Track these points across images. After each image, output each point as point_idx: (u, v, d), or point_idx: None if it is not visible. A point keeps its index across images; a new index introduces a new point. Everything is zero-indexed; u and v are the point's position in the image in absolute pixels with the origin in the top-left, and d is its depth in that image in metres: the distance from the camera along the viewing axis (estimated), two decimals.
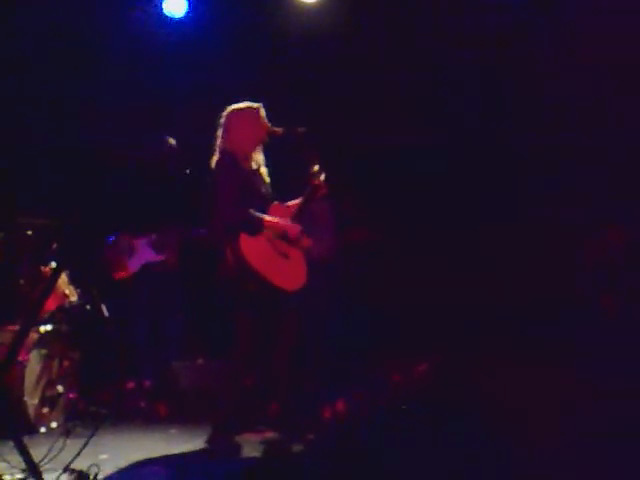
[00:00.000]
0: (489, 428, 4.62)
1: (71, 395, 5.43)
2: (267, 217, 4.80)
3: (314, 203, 5.19)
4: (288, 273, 4.84)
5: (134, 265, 6.21)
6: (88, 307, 5.60)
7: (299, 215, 4.97)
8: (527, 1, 7.26)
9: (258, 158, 5.03)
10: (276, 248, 4.82)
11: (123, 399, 5.96)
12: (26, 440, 3.83)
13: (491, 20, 7.23)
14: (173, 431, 5.36)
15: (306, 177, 5.04)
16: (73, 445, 4.19)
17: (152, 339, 6.30)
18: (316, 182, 5.01)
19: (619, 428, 4.44)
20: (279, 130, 5.00)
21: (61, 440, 4.24)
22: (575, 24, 7.05)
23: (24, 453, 3.68)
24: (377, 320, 6.96)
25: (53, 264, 5.32)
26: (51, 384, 5.30)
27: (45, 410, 5.20)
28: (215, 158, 4.94)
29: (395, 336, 6.89)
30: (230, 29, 7.37)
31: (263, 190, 4.98)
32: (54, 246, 5.41)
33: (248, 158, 4.97)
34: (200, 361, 6.38)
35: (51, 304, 5.42)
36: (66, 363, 5.44)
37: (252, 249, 4.70)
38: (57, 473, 3.92)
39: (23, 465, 3.74)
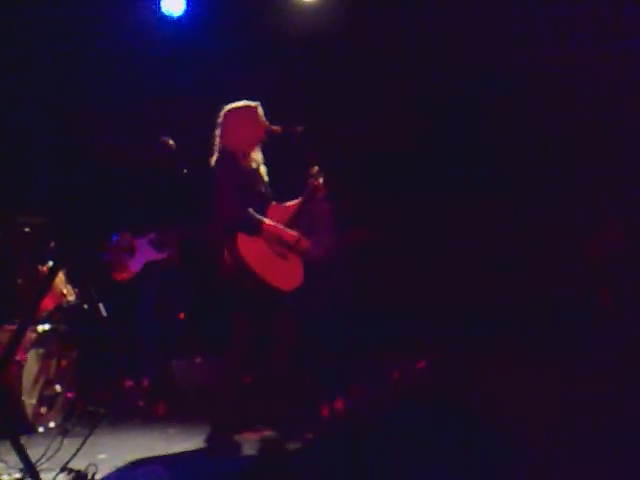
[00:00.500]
0: (489, 426, 4.62)
1: (69, 394, 5.41)
2: (266, 221, 4.79)
3: (313, 204, 5.18)
4: (285, 273, 4.84)
5: (135, 265, 6.20)
6: (86, 306, 5.59)
7: (297, 216, 4.96)
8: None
9: (257, 157, 5.03)
10: (273, 248, 4.81)
11: (121, 398, 5.95)
12: (24, 440, 3.83)
13: (492, 17, 7.23)
14: (172, 430, 5.35)
15: (305, 176, 5.03)
16: (71, 445, 4.19)
17: (151, 338, 6.29)
18: (315, 183, 5.00)
19: (618, 425, 4.43)
20: (277, 129, 4.99)
21: (59, 440, 4.23)
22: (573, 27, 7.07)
23: (21, 453, 3.67)
24: (376, 319, 6.95)
25: (51, 263, 5.31)
26: (49, 384, 5.28)
27: (43, 410, 5.19)
28: (214, 157, 4.93)
29: (394, 334, 6.88)
30: (228, 28, 7.36)
31: (262, 189, 4.97)
32: (52, 245, 5.40)
33: (247, 157, 4.96)
34: (199, 360, 6.37)
35: (49, 303, 5.40)
36: (64, 362, 5.42)
37: (250, 249, 4.69)
38: (55, 473, 3.91)
39: (21, 465, 3.73)
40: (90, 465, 3.95)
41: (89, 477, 3.90)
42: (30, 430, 5.00)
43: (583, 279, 7.18)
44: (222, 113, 5.00)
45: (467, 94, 7.54)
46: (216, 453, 4.66)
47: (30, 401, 5.10)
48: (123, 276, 6.21)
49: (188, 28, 7.31)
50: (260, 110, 4.99)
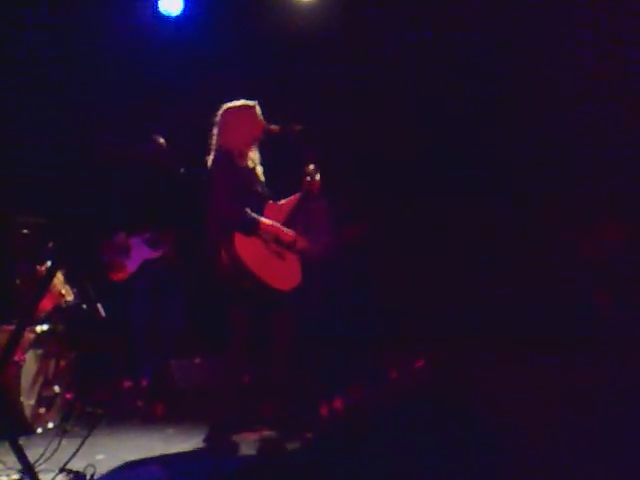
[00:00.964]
0: (488, 425, 4.61)
1: (68, 395, 5.41)
2: (263, 220, 4.79)
3: (310, 201, 5.18)
4: (282, 273, 4.83)
5: (132, 265, 6.20)
6: (84, 307, 5.58)
7: (294, 215, 4.96)
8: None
9: (254, 156, 5.03)
10: (271, 248, 4.81)
11: (120, 399, 5.94)
12: (23, 440, 3.83)
13: (487, 16, 7.23)
14: (170, 431, 5.35)
15: (302, 175, 5.03)
16: (69, 445, 4.18)
17: (149, 338, 6.28)
18: (311, 181, 5.00)
19: (618, 425, 4.43)
20: (275, 128, 4.99)
21: (57, 440, 4.22)
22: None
23: (20, 454, 3.67)
24: (375, 316, 6.94)
25: (49, 263, 5.30)
26: (47, 384, 5.27)
27: (41, 410, 5.18)
28: (211, 156, 4.93)
29: (393, 333, 6.88)
30: (225, 28, 7.36)
31: (259, 188, 4.97)
32: (50, 245, 5.39)
33: (244, 156, 4.96)
34: (197, 360, 6.37)
35: (47, 304, 5.39)
36: (62, 363, 5.42)
37: (246, 248, 4.69)
38: (53, 473, 3.91)
39: (19, 466, 3.72)
40: (88, 466, 3.95)
41: (87, 478, 3.91)
42: (28, 431, 4.99)
43: (582, 278, 7.19)
44: (220, 112, 5.00)
45: (465, 92, 7.54)
46: (215, 453, 4.66)
47: (28, 402, 5.09)
48: (120, 276, 6.20)
49: (186, 28, 7.31)
50: (258, 109, 4.99)
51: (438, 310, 7.10)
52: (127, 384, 6.11)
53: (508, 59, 7.43)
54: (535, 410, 4.74)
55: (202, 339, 6.63)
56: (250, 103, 4.99)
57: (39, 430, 5.10)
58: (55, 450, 4.10)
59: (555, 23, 7.16)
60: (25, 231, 5.39)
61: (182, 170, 5.61)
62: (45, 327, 5.34)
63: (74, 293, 5.62)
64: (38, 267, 5.36)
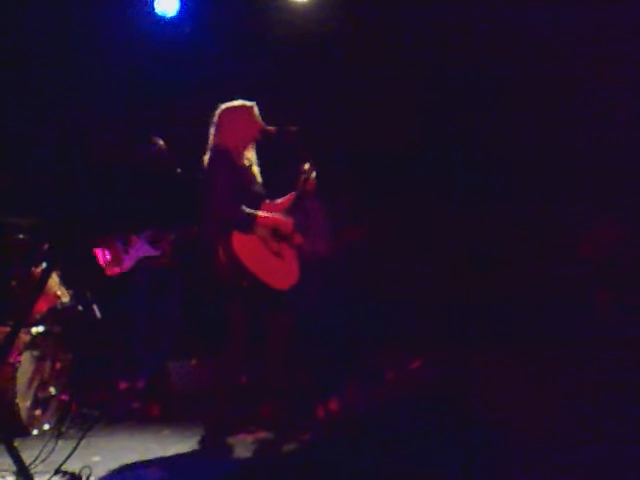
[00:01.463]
0: (488, 425, 4.62)
1: (63, 396, 5.39)
2: (260, 213, 4.79)
3: (309, 202, 5.18)
4: (280, 272, 4.83)
5: (129, 260, 6.18)
6: (80, 308, 5.57)
7: (290, 213, 4.96)
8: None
9: (250, 156, 5.02)
10: (269, 247, 4.81)
11: (116, 400, 5.93)
12: (18, 442, 3.82)
13: (481, 16, 7.24)
14: (166, 432, 5.33)
15: (297, 174, 5.03)
16: (65, 447, 4.17)
17: (145, 339, 6.27)
18: (306, 180, 5.00)
19: (618, 425, 4.43)
20: (272, 129, 4.99)
21: (53, 442, 4.21)
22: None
23: (15, 455, 3.66)
24: (372, 318, 6.94)
25: (44, 265, 5.29)
26: (43, 386, 5.26)
27: (37, 412, 5.17)
28: (208, 155, 4.92)
29: (391, 333, 6.88)
30: (222, 28, 7.35)
31: (255, 188, 4.97)
32: (45, 247, 5.38)
33: (241, 156, 4.95)
34: (193, 362, 6.36)
35: (43, 305, 5.39)
36: (58, 365, 5.40)
37: (244, 247, 4.69)
38: (49, 475, 3.90)
39: (14, 468, 3.71)
40: (84, 467, 3.94)
41: (83, 479, 3.89)
42: (24, 432, 4.98)
43: (582, 278, 7.20)
44: (217, 111, 4.99)
45: (462, 92, 7.54)
46: (211, 454, 4.65)
47: (24, 403, 5.07)
48: (116, 270, 6.18)
49: (182, 28, 7.30)
50: (256, 110, 4.99)
51: (437, 310, 7.10)
52: (123, 385, 6.10)
53: (506, 57, 7.44)
54: (535, 410, 4.75)
55: (198, 340, 6.62)
56: (248, 104, 4.99)
57: (35, 432, 5.08)
58: (51, 452, 4.10)
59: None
60: (20, 232, 5.37)
61: (179, 170, 5.60)
62: (41, 328, 5.33)
63: (70, 294, 5.62)
64: (33, 269, 5.35)
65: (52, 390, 5.30)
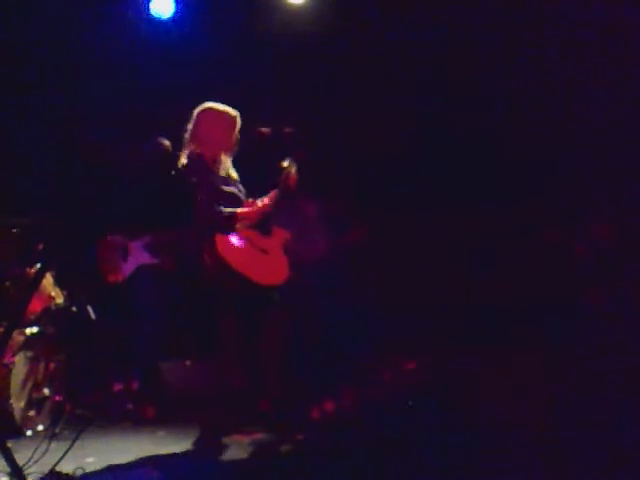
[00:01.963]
0: (487, 426, 4.62)
1: (57, 397, 5.38)
2: (238, 210, 4.78)
3: (305, 203, 5.18)
4: (268, 268, 4.83)
5: (128, 268, 6.17)
6: (74, 309, 5.56)
7: (275, 210, 4.95)
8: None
9: (226, 163, 4.99)
10: (253, 244, 4.81)
11: (110, 401, 5.92)
12: (12, 443, 3.80)
13: (482, 15, 7.25)
14: (161, 433, 5.32)
15: (279, 173, 5.01)
16: (59, 448, 4.16)
17: (140, 340, 6.26)
18: (287, 175, 4.97)
19: (618, 425, 4.44)
20: (266, 130, 4.98)
21: (47, 443, 4.20)
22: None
23: (9, 456, 3.65)
24: (370, 318, 6.94)
25: (39, 265, 5.28)
26: (37, 387, 5.25)
27: (31, 413, 5.16)
28: (184, 156, 4.89)
29: (390, 334, 6.87)
30: (217, 30, 7.35)
31: (234, 189, 4.95)
32: (40, 247, 5.37)
33: (217, 162, 4.92)
34: (188, 362, 6.35)
35: (37, 306, 5.37)
36: (52, 365, 5.39)
37: (229, 248, 4.69)
38: (42, 476, 3.88)
39: (8, 469, 3.70)
40: (78, 468, 3.94)
41: None
42: (18, 433, 4.97)
43: (573, 275, 7.21)
44: (200, 108, 4.95)
45: (463, 91, 7.55)
46: (206, 456, 4.64)
47: (18, 404, 5.06)
48: (115, 278, 6.17)
49: (177, 30, 7.30)
50: (238, 122, 4.94)
51: (437, 310, 7.10)
52: (117, 386, 6.08)
53: (508, 60, 7.45)
54: (535, 410, 4.75)
55: (192, 341, 6.61)
56: (232, 113, 4.94)
57: (29, 433, 5.07)
58: (44, 453, 4.08)
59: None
60: (14, 232, 5.36)
61: (173, 172, 5.59)
62: (35, 329, 5.32)
63: (64, 295, 5.61)
64: (28, 269, 5.34)
65: (46, 391, 5.29)
